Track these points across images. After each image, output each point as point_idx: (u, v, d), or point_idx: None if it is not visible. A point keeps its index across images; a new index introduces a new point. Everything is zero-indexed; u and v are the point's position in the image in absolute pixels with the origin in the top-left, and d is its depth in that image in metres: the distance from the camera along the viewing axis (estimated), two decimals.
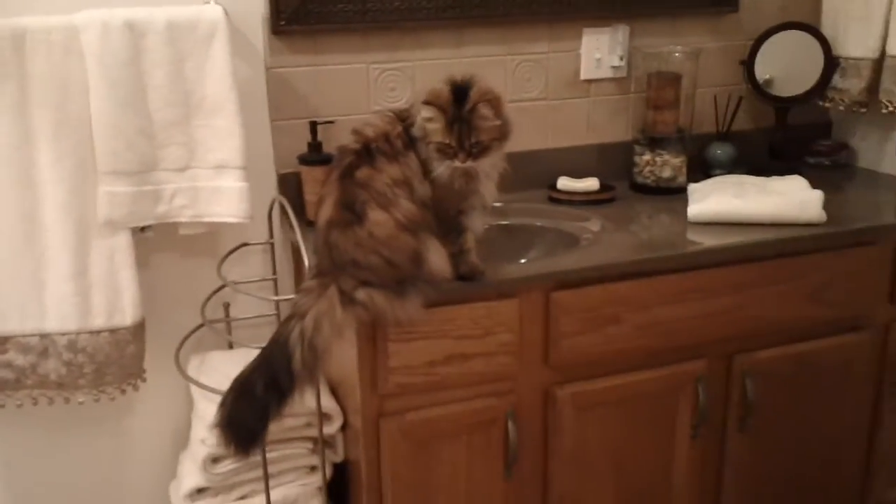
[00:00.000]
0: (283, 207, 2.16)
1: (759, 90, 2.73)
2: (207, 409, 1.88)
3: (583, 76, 2.63)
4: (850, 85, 2.69)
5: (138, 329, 2.16)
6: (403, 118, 1.88)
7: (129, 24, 2.02)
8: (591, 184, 2.52)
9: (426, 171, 1.83)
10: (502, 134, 1.86)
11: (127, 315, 2.13)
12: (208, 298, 2.22)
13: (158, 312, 2.26)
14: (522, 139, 2.38)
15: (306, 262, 1.91)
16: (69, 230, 2.07)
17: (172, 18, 2.06)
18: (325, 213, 1.81)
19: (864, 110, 2.70)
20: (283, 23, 2.27)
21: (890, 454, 2.55)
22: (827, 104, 2.78)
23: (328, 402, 2.12)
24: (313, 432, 2.10)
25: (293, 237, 2.09)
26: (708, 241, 2.21)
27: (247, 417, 1.76)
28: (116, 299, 2.13)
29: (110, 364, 2.14)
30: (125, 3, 2.06)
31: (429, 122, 1.81)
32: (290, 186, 2.34)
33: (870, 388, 2.46)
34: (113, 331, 2.12)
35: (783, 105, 2.74)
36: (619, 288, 2.07)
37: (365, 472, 2.01)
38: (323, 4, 2.30)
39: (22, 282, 2.08)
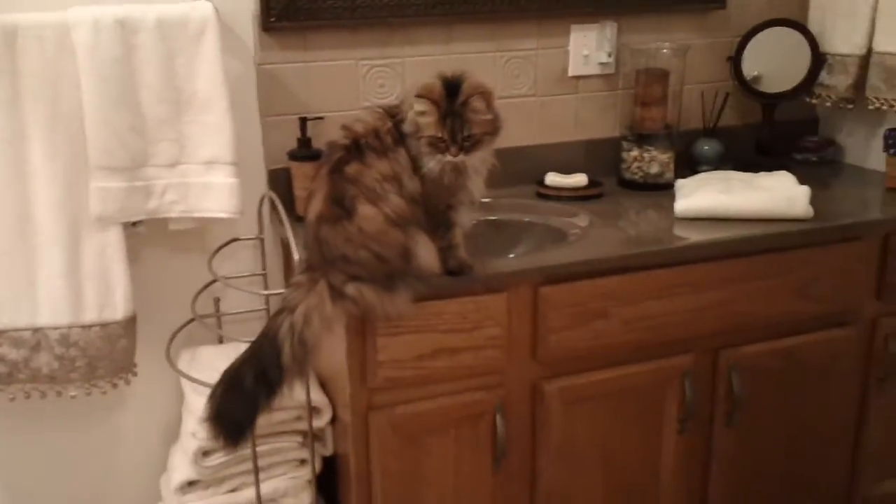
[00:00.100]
0: (272, 203, 2.17)
1: (747, 87, 2.74)
2: (198, 403, 1.88)
3: (571, 73, 2.64)
4: (837, 81, 2.70)
5: (129, 323, 2.17)
6: (393, 114, 1.88)
7: (120, 21, 2.03)
8: (579, 180, 2.53)
9: (416, 166, 1.84)
10: (494, 128, 1.87)
11: (118, 309, 2.14)
12: (199, 293, 2.23)
13: (149, 307, 2.27)
14: (511, 135, 2.37)
15: (296, 257, 1.92)
16: (61, 225, 2.08)
17: (163, 15, 2.07)
18: (315, 208, 1.83)
19: (850, 106, 2.71)
20: (272, 19, 2.28)
21: (876, 449, 2.56)
22: (814, 100, 2.79)
23: (318, 396, 2.13)
24: (303, 426, 2.11)
25: (283, 232, 2.10)
26: (695, 236, 2.22)
27: (236, 410, 1.77)
28: (108, 294, 2.13)
29: (102, 358, 2.15)
30: (116, 0, 2.07)
31: (421, 116, 1.82)
32: (279, 182, 2.34)
33: (856, 383, 2.48)
34: (104, 325, 2.13)
35: (770, 101, 2.76)
36: (606, 283, 2.08)
37: (354, 466, 2.02)
38: (312, 1, 2.31)
39: (14, 277, 2.09)
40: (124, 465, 2.46)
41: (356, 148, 1.82)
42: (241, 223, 2.27)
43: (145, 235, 2.25)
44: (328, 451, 2.20)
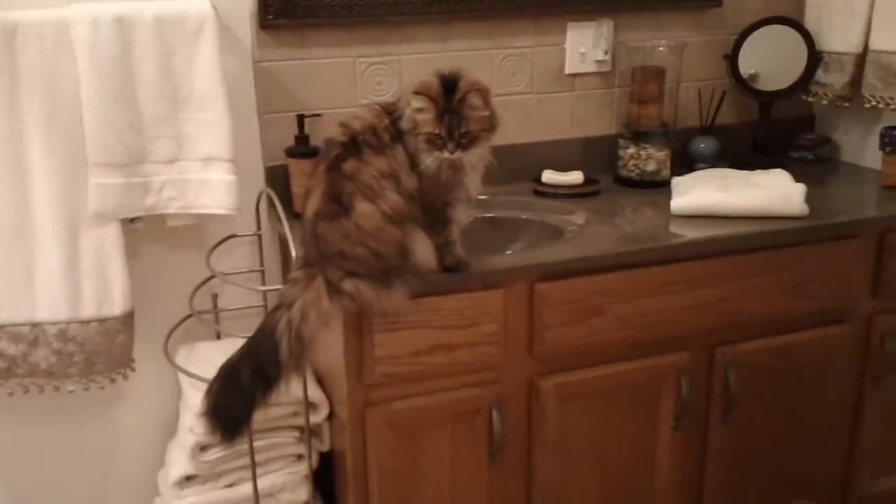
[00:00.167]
0: (270, 199, 2.18)
1: (743, 84, 2.75)
2: (195, 398, 1.89)
3: (567, 70, 2.65)
4: (834, 79, 2.71)
5: (127, 319, 2.18)
6: (390, 111, 1.89)
7: (118, 18, 2.03)
8: (576, 177, 2.54)
9: (413, 163, 1.85)
10: (491, 125, 1.88)
11: (116, 305, 2.15)
12: (197, 289, 2.24)
13: (147, 303, 2.28)
14: (507, 133, 2.38)
15: (293, 254, 1.93)
16: (59, 221, 2.09)
17: (161, 13, 2.07)
18: (313, 204, 1.83)
19: (846, 105, 2.72)
20: (270, 17, 2.29)
21: (872, 447, 2.57)
22: (810, 98, 2.80)
23: (315, 392, 2.14)
24: (300, 421, 2.12)
25: (280, 229, 2.11)
26: (691, 233, 2.23)
27: (232, 405, 1.78)
28: (106, 289, 2.14)
29: (100, 353, 2.15)
30: None
31: (419, 113, 1.83)
32: (277, 179, 2.35)
33: (852, 381, 2.48)
34: (102, 320, 2.14)
35: (767, 99, 2.77)
36: (602, 280, 2.09)
37: (351, 461, 2.02)
38: None
39: (13, 272, 2.09)
40: (122, 460, 2.47)
41: (354, 145, 1.83)
42: (238, 220, 2.28)
43: (143, 232, 2.26)
44: (325, 447, 2.21)
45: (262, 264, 2.40)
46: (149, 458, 2.44)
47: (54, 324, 2.12)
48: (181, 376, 2.20)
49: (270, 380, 1.77)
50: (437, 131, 1.82)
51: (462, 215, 1.95)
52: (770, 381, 2.35)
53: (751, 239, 2.22)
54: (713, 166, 2.67)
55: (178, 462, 2.14)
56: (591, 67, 2.67)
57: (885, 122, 2.67)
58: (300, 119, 2.32)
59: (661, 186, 2.55)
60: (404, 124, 1.86)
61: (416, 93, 1.83)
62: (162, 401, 2.43)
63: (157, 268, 2.34)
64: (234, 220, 2.27)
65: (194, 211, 2.18)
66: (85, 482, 2.45)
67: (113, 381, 2.21)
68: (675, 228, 2.27)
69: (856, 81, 2.66)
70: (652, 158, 2.57)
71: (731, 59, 2.75)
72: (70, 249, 2.11)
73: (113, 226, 2.13)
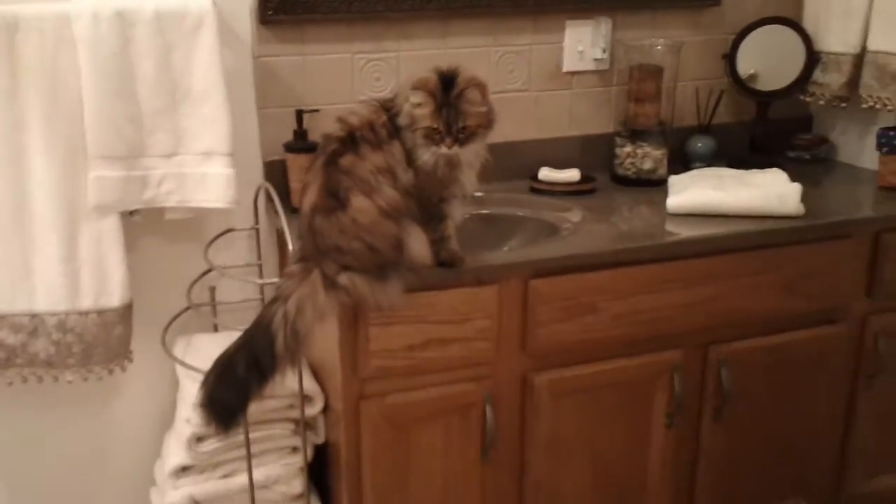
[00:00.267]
0: (268, 194, 2.19)
1: (741, 84, 2.76)
2: (192, 390, 1.90)
3: (565, 68, 2.66)
4: (831, 80, 2.72)
5: (125, 311, 2.19)
6: (388, 107, 1.90)
7: (119, 13, 2.04)
8: (573, 175, 2.55)
9: (410, 159, 1.86)
10: (488, 121, 1.89)
11: (114, 297, 2.16)
12: (194, 282, 2.25)
13: (145, 295, 2.28)
14: (505, 130, 2.41)
15: (290, 248, 1.94)
16: (59, 214, 2.10)
17: (161, 8, 2.08)
18: (310, 199, 1.84)
19: (844, 105, 2.73)
20: (270, 12, 2.30)
21: (865, 446, 2.58)
22: (808, 98, 2.81)
23: (310, 385, 2.15)
24: (295, 414, 2.13)
25: (278, 223, 2.12)
26: (686, 232, 2.25)
27: (227, 396, 1.80)
28: (104, 281, 2.15)
29: (98, 345, 2.17)
30: None
31: (417, 108, 1.84)
32: (275, 173, 2.36)
33: (845, 381, 2.50)
34: (101, 312, 2.15)
35: (764, 99, 2.77)
36: (597, 277, 2.10)
37: (345, 454, 2.04)
38: None
39: (12, 264, 2.11)
40: (119, 451, 2.48)
41: (351, 140, 1.84)
42: (236, 214, 2.29)
43: (142, 225, 2.27)
44: (320, 440, 2.22)
45: (259, 258, 2.41)
46: (146, 448, 2.45)
47: (53, 314, 2.13)
48: (178, 368, 2.22)
49: (266, 372, 1.79)
50: (435, 126, 1.83)
51: (458, 211, 1.96)
52: (763, 379, 2.36)
53: (746, 238, 2.23)
54: (710, 165, 2.68)
55: (175, 453, 2.15)
56: (589, 66, 2.68)
57: (882, 123, 2.69)
58: (299, 114, 2.33)
59: (657, 185, 2.56)
60: (402, 120, 1.87)
61: (415, 87, 1.84)
62: (159, 392, 2.44)
63: (156, 260, 2.35)
64: (232, 213, 2.28)
65: (193, 204, 2.19)
66: (82, 472, 2.46)
67: (111, 372, 2.22)
68: (670, 227, 2.29)
69: (853, 82, 2.67)
70: (649, 157, 2.58)
71: (729, 58, 2.76)
72: (69, 241, 2.12)
73: (112, 218, 2.14)
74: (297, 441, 2.18)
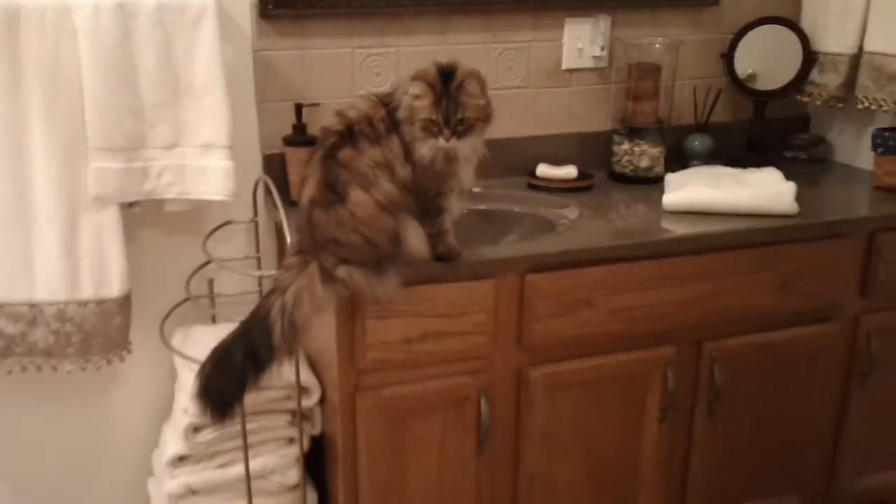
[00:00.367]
0: (267, 187, 2.20)
1: (738, 83, 2.77)
2: (190, 381, 1.90)
3: (564, 65, 2.67)
4: (828, 80, 2.73)
5: (124, 301, 2.20)
6: (386, 102, 1.91)
7: (120, 5, 2.05)
8: (570, 172, 2.56)
9: (407, 153, 1.86)
10: (486, 115, 1.90)
11: (114, 287, 2.17)
12: (193, 274, 2.27)
13: (144, 286, 2.30)
14: (504, 126, 2.43)
15: (289, 240, 1.95)
16: (59, 204, 2.11)
17: (162, 0, 2.09)
18: (308, 192, 1.85)
19: (840, 105, 2.74)
20: (270, 6, 2.31)
21: (857, 444, 2.59)
22: (805, 99, 2.82)
23: (307, 377, 2.17)
24: (292, 405, 2.15)
25: (277, 216, 2.13)
26: (681, 229, 2.25)
27: (223, 386, 1.81)
28: (104, 272, 2.17)
29: (97, 335, 2.18)
30: None
31: (416, 100, 1.85)
32: (274, 167, 2.37)
33: (838, 379, 2.51)
34: (100, 302, 2.17)
35: (762, 98, 2.79)
36: (593, 273, 2.11)
37: (341, 445, 2.05)
38: None
39: (12, 254, 2.12)
40: (117, 440, 2.49)
41: (349, 134, 1.85)
42: (235, 206, 2.30)
43: (141, 216, 2.28)
44: (316, 431, 2.24)
45: (258, 250, 2.43)
46: (144, 438, 2.47)
47: (52, 304, 2.14)
48: (176, 359, 2.23)
49: (262, 363, 1.80)
50: (434, 117, 1.83)
51: (455, 206, 1.97)
52: (756, 376, 2.38)
53: (741, 236, 2.24)
54: (707, 164, 2.68)
55: (172, 442, 2.17)
56: (588, 63, 2.69)
57: (879, 124, 2.70)
58: (298, 108, 2.35)
59: (654, 183, 2.57)
60: (401, 113, 1.87)
61: (414, 79, 1.85)
62: (157, 382, 2.46)
63: (155, 252, 2.37)
64: (231, 206, 2.29)
65: (192, 196, 2.20)
66: (80, 461, 2.48)
67: (109, 362, 2.24)
68: (666, 224, 2.29)
69: (850, 82, 2.68)
70: (646, 155, 2.59)
71: (727, 57, 2.77)
72: (69, 232, 2.13)
73: (112, 210, 2.15)
74: (293, 432, 2.19)
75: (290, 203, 2.25)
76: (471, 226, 2.29)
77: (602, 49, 2.67)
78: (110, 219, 2.16)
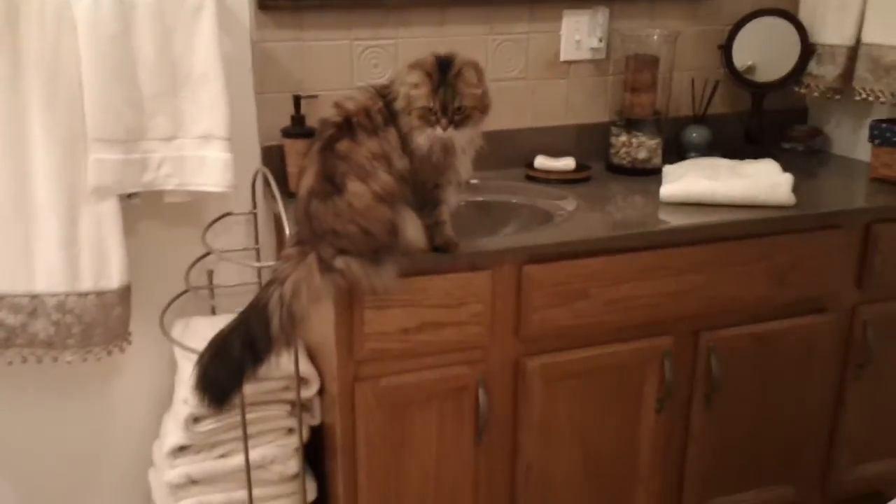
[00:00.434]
0: (266, 178, 2.21)
1: (736, 75, 2.77)
2: (190, 371, 1.93)
3: (562, 57, 2.67)
4: (826, 71, 2.74)
5: (124, 292, 2.21)
6: (384, 94, 1.91)
7: None
8: (568, 163, 2.56)
9: (405, 145, 1.87)
10: (483, 105, 1.90)
11: (113, 279, 2.18)
12: (192, 265, 2.27)
13: (144, 278, 2.31)
14: (501, 118, 2.44)
15: (287, 231, 1.96)
16: (59, 196, 2.12)
17: None
18: (306, 183, 1.86)
19: (838, 97, 2.75)
20: None
21: (853, 434, 2.60)
22: (802, 90, 2.83)
23: (306, 367, 2.18)
24: (291, 396, 2.16)
25: (275, 207, 2.13)
26: (678, 220, 2.26)
27: (221, 376, 1.81)
28: (104, 263, 2.18)
29: (97, 326, 2.19)
30: None
31: (414, 88, 1.85)
32: (273, 158, 2.38)
33: (834, 370, 2.52)
34: (100, 293, 2.17)
35: (759, 90, 2.79)
36: (590, 264, 2.12)
37: (340, 435, 2.05)
38: None
39: (13, 245, 2.13)
40: (118, 431, 2.50)
41: (347, 126, 1.85)
42: (234, 198, 2.31)
43: (141, 208, 2.29)
44: (315, 421, 2.25)
45: (256, 242, 2.43)
46: (144, 429, 2.48)
47: (53, 295, 2.15)
48: (176, 350, 2.24)
49: (260, 353, 1.81)
50: (431, 105, 1.83)
51: (453, 197, 1.97)
52: (753, 367, 2.38)
53: (737, 227, 2.24)
54: (705, 156, 2.69)
55: (173, 433, 2.17)
56: (586, 55, 2.69)
57: (876, 115, 2.70)
58: (296, 100, 2.35)
59: (651, 174, 2.58)
60: (399, 103, 1.87)
61: (412, 67, 1.85)
62: (157, 373, 2.47)
63: (154, 243, 2.37)
64: (230, 198, 2.30)
65: (191, 188, 2.21)
66: (81, 452, 2.49)
67: (110, 353, 2.25)
68: (663, 215, 2.30)
69: (847, 74, 2.69)
70: (643, 146, 2.60)
71: (725, 49, 2.78)
72: (69, 223, 2.14)
73: (111, 201, 2.16)
74: (293, 422, 2.20)
75: (288, 194, 2.25)
76: (468, 217, 2.30)
77: (600, 41, 2.67)
78: (110, 210, 2.16)
